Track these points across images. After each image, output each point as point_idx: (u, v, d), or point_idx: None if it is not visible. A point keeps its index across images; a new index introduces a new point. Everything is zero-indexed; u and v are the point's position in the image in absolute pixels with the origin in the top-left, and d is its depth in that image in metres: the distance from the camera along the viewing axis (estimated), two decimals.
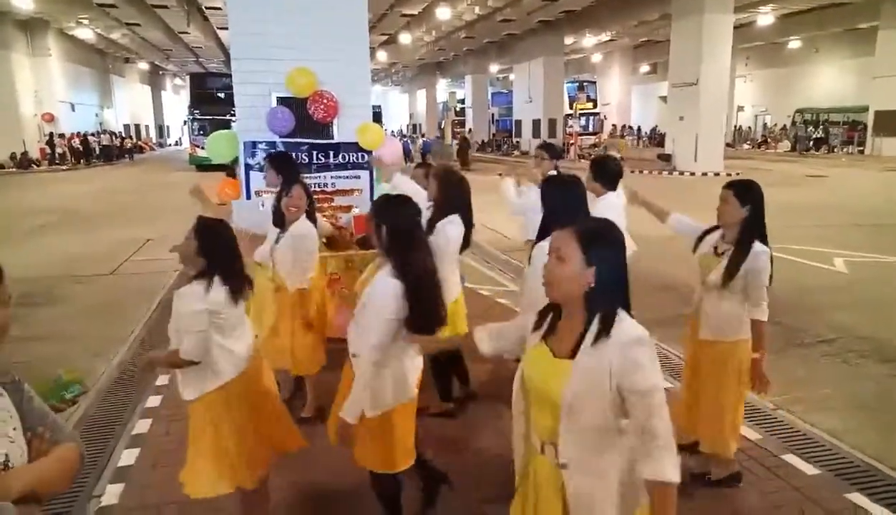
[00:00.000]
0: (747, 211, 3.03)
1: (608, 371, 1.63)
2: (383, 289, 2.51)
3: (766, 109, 37.72)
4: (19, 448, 1.38)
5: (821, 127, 32.69)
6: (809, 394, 4.62)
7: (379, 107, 31.70)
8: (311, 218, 4.01)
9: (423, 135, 42.15)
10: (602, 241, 1.73)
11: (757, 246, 3.01)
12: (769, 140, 35.17)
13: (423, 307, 2.53)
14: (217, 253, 2.61)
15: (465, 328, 4.00)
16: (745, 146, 35.79)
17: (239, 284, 2.66)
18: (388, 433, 2.66)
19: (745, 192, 3.06)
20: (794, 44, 32.76)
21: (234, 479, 2.68)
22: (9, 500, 1.28)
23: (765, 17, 27.38)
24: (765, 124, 37.61)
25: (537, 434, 1.82)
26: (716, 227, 3.23)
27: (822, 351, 5.52)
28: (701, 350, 3.25)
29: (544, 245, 2.81)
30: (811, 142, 31.99)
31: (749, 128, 38.86)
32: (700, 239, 3.29)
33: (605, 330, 1.66)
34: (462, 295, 4.10)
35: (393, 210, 2.65)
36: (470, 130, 42.66)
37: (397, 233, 2.56)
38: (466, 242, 3.92)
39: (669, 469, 1.62)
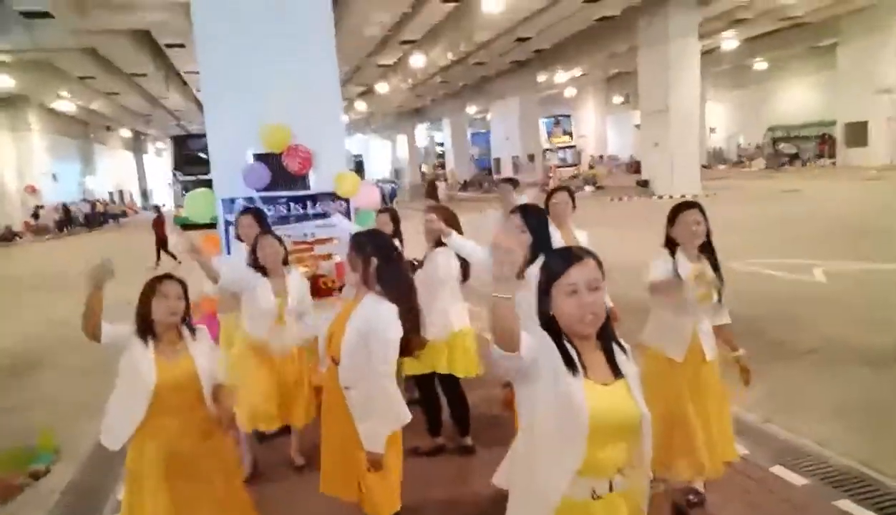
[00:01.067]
0: (707, 227, 3.15)
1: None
2: (386, 314, 2.63)
3: (738, 130, 38.53)
4: None
5: (793, 142, 33.43)
6: (796, 405, 4.66)
7: (360, 156, 32.16)
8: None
9: (389, 181, 42.65)
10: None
11: None
12: (744, 159, 35.84)
13: (412, 329, 2.71)
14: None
15: (477, 368, 4.02)
16: (721, 166, 36.42)
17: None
18: (392, 464, 2.76)
19: (704, 211, 3.18)
20: (760, 65, 33.69)
21: None
22: None
23: (729, 42, 28.24)
24: (738, 144, 38.35)
25: (605, 473, 1.77)
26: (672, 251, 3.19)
27: (807, 361, 5.58)
28: (709, 372, 3.19)
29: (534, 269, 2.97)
30: (785, 159, 32.64)
31: (722, 148, 39.61)
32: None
33: (623, 347, 1.88)
34: (471, 330, 4.09)
35: (378, 241, 2.85)
36: (451, 171, 43.21)
37: (386, 262, 2.74)
38: (465, 274, 4.00)
39: None
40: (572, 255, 1.80)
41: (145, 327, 2.73)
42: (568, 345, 1.77)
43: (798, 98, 34.05)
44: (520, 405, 1.86)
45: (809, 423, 4.31)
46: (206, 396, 2.75)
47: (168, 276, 2.81)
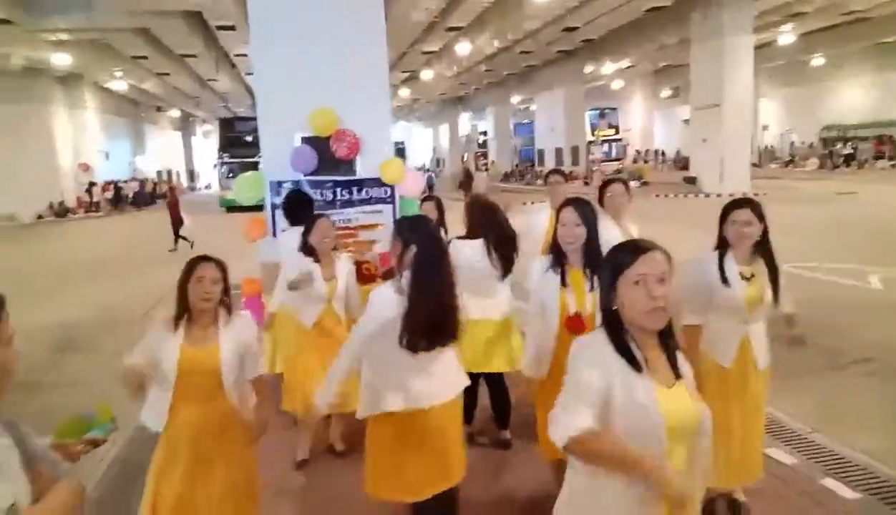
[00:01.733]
0: (763, 226, 2.99)
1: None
2: (378, 295, 2.67)
3: (791, 128, 37.31)
4: (24, 489, 1.39)
5: (849, 143, 32.20)
6: (847, 415, 4.50)
7: (402, 143, 32.23)
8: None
9: (427, 170, 42.62)
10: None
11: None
12: (796, 158, 34.70)
13: (420, 326, 2.60)
14: None
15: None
16: (773, 165, 35.35)
17: None
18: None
19: (760, 208, 3.01)
20: (817, 61, 32.48)
21: None
22: None
23: (786, 36, 27.28)
24: (791, 142, 37.15)
25: None
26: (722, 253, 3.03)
27: (860, 371, 5.38)
28: (759, 380, 3.05)
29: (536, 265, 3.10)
30: (840, 159, 31.48)
31: (774, 147, 38.42)
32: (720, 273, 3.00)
33: (676, 342, 1.80)
34: (510, 321, 4.00)
35: (422, 228, 2.75)
36: (493, 161, 42.98)
37: (426, 251, 2.64)
38: (508, 267, 3.92)
39: None
40: (639, 246, 1.74)
41: (181, 311, 2.67)
42: (631, 344, 1.71)
43: (856, 97, 32.73)
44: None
45: (861, 435, 4.15)
46: (228, 388, 2.68)
47: (206, 258, 2.71)
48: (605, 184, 4.20)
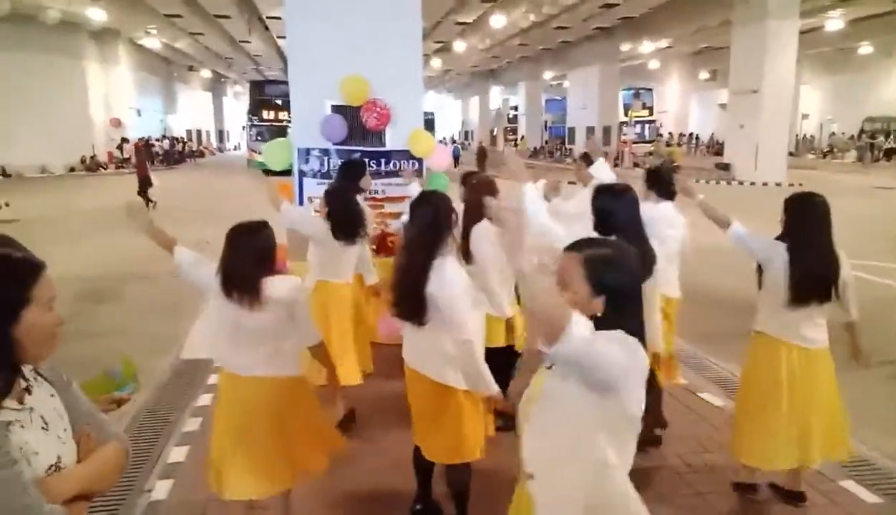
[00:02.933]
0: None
1: None
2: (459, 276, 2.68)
3: (831, 117, 36.20)
4: (70, 448, 1.43)
5: (891, 136, 31.16)
6: (872, 417, 4.39)
7: (432, 114, 31.97)
8: None
9: (453, 141, 42.31)
10: (612, 268, 1.61)
11: None
12: (835, 149, 33.74)
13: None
14: None
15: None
16: (810, 156, 34.42)
17: None
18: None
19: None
20: (865, 49, 31.31)
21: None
22: (60, 501, 1.33)
23: (833, 22, 26.31)
24: (832, 133, 36.08)
25: None
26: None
27: (889, 372, 5.25)
28: (818, 361, 3.18)
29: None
30: (881, 153, 30.50)
31: (813, 136, 37.37)
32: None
33: None
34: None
35: (433, 201, 2.83)
36: (522, 137, 42.52)
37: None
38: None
39: None
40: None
41: (226, 279, 2.70)
42: None
43: None
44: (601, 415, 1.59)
45: (885, 437, 4.08)
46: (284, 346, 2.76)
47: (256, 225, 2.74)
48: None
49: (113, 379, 1.89)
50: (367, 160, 5.47)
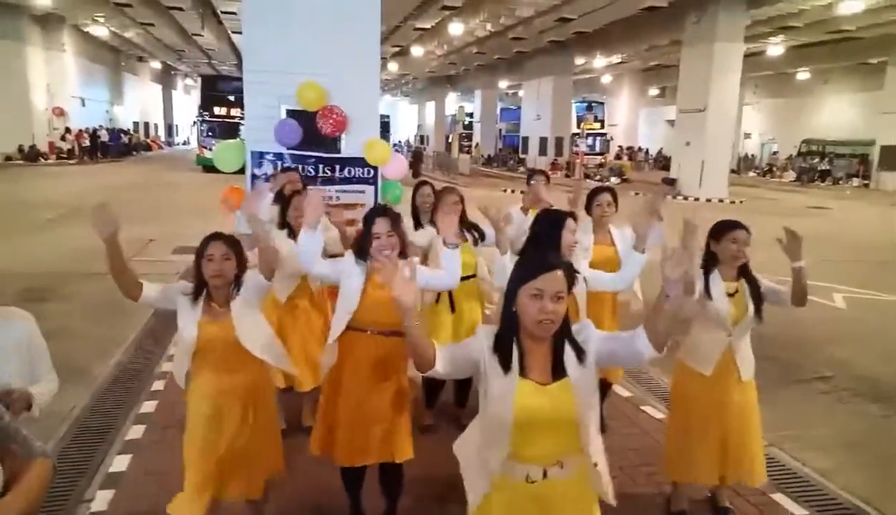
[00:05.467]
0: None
1: (594, 370, 1.96)
2: None
3: (773, 138, 37.82)
4: None
5: (826, 158, 32.76)
6: (802, 432, 4.63)
7: (388, 117, 31.93)
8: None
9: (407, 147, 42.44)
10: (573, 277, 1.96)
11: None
12: (775, 169, 35.24)
13: None
14: None
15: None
16: (751, 174, 35.84)
17: None
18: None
19: (749, 231, 3.17)
20: (804, 75, 32.89)
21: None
22: None
23: (775, 48, 27.55)
24: (772, 152, 37.68)
25: (538, 461, 1.93)
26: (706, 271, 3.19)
27: (818, 388, 5.53)
28: (744, 392, 3.18)
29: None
30: (816, 174, 32.03)
31: (754, 155, 38.96)
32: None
33: (580, 350, 1.95)
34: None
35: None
36: (477, 144, 42.85)
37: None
38: None
39: None
40: (544, 264, 1.90)
41: (199, 287, 2.76)
42: (514, 346, 1.93)
43: (837, 113, 33.22)
44: (479, 394, 2.04)
45: (814, 452, 4.29)
46: (254, 354, 2.78)
47: (215, 236, 2.77)
48: (594, 192, 4.13)
49: None
50: (321, 165, 5.47)
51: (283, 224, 3.94)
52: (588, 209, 4.08)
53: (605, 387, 4.22)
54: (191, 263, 2.87)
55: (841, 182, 30.69)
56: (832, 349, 6.49)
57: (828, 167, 32.08)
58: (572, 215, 3.26)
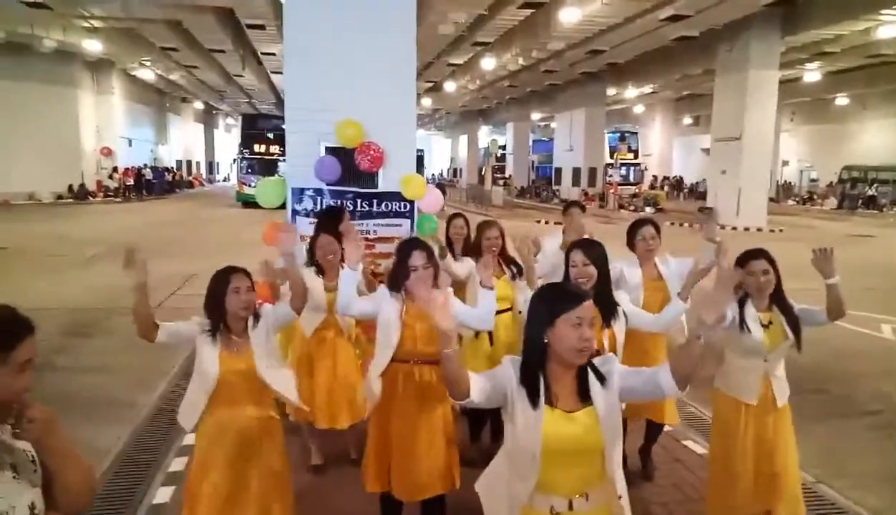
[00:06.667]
0: (777, 274, 3.12)
1: (618, 401, 1.98)
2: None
3: (811, 165, 37.12)
4: (39, 493, 1.44)
5: (869, 185, 31.95)
6: (851, 469, 4.47)
7: (422, 151, 32.37)
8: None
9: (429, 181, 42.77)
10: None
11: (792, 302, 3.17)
12: (815, 196, 34.50)
13: None
14: None
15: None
16: (790, 202, 35.15)
17: None
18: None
19: (773, 259, 3.13)
20: (842, 100, 32.37)
21: None
22: None
23: (811, 74, 27.23)
24: (811, 178, 36.94)
25: (564, 492, 1.94)
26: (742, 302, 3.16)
27: (866, 423, 5.34)
28: (781, 419, 3.15)
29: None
30: (860, 201, 31.24)
31: (793, 183, 38.24)
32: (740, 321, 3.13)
33: (603, 376, 2.00)
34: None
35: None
36: (510, 175, 43.07)
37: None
38: None
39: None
40: (581, 293, 2.02)
41: (217, 321, 2.81)
42: (541, 377, 1.96)
43: (879, 138, 32.53)
44: (505, 423, 2.07)
45: (861, 491, 4.13)
46: (267, 384, 2.85)
47: (236, 269, 2.85)
48: (636, 225, 4.01)
49: None
50: (359, 200, 5.60)
51: (311, 261, 4.05)
52: (630, 243, 3.98)
53: (656, 428, 4.18)
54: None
55: (885, 209, 29.87)
56: (881, 382, 6.27)
57: (873, 193, 31.25)
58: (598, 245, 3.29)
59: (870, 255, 15.15)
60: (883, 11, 17.27)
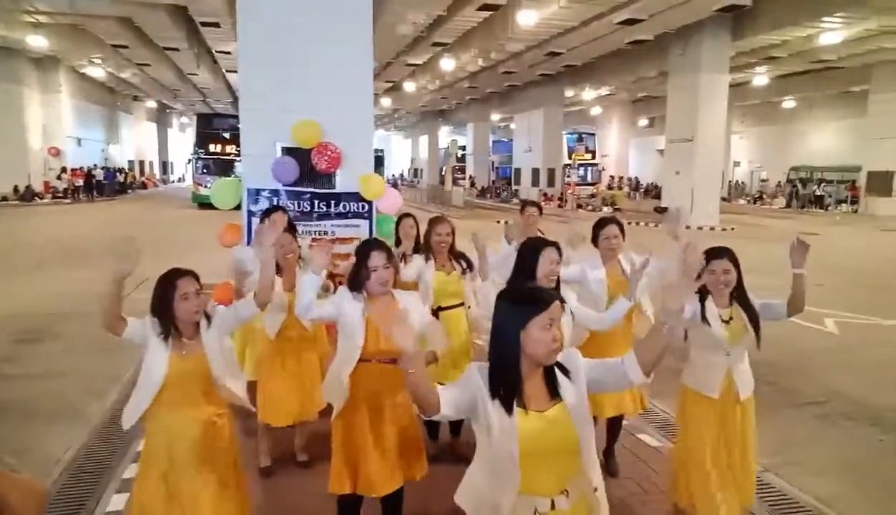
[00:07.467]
0: (738, 273, 3.22)
1: (584, 385, 2.01)
2: None
3: (761, 165, 38.35)
4: None
5: (816, 185, 33.16)
6: (799, 458, 4.63)
7: (382, 151, 32.24)
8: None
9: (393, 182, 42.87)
10: None
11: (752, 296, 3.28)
12: (765, 196, 35.64)
13: None
14: None
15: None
16: (741, 201, 36.23)
17: None
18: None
19: (736, 258, 3.23)
20: (789, 103, 33.53)
21: None
22: None
23: (760, 78, 28.13)
24: (761, 178, 38.17)
25: (545, 492, 1.94)
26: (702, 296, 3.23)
27: (813, 413, 5.55)
28: (744, 411, 3.25)
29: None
30: (807, 200, 32.39)
31: (744, 183, 39.43)
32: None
33: (567, 371, 2.02)
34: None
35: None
36: (471, 176, 43.27)
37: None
38: None
39: None
40: (549, 294, 2.00)
41: (166, 326, 2.72)
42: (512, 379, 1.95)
43: (824, 140, 33.85)
44: (476, 432, 2.04)
45: (811, 478, 4.28)
46: (220, 386, 2.81)
47: (182, 273, 2.75)
48: (600, 224, 4.05)
49: None
50: (316, 201, 5.56)
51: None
52: (595, 241, 4.03)
53: (617, 424, 4.24)
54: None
55: (830, 208, 31.04)
56: (826, 374, 6.52)
57: (819, 193, 32.44)
58: (555, 244, 3.26)
59: (815, 252, 15.66)
60: (824, 18, 17.95)
